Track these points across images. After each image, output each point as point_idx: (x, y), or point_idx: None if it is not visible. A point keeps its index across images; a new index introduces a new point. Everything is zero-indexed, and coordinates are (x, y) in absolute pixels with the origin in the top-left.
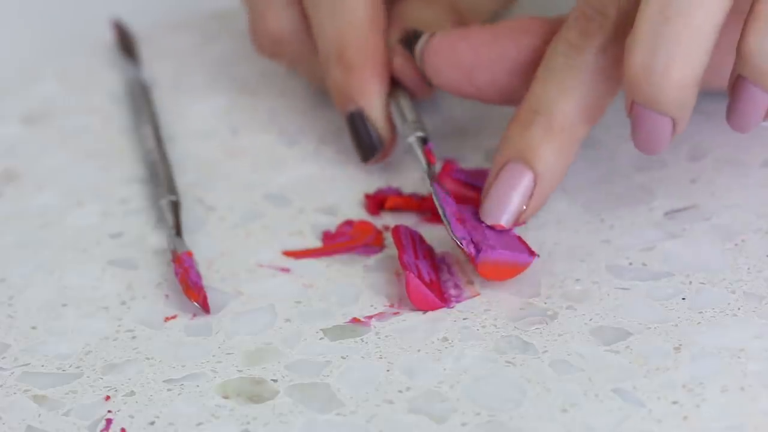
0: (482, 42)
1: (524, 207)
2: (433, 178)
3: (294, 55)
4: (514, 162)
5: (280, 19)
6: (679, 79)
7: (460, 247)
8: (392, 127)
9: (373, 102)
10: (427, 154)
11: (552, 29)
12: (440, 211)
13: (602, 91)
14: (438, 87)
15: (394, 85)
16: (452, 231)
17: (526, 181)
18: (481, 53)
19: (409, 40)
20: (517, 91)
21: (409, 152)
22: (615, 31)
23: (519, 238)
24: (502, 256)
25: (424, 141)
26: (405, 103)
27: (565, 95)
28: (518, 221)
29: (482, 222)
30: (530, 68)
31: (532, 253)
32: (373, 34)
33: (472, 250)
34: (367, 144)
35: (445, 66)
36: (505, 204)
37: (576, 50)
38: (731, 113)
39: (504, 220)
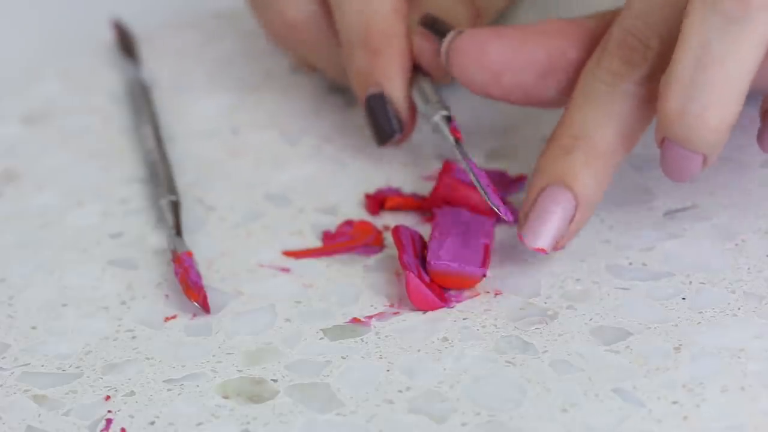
0: (511, 44)
1: (564, 232)
2: (464, 152)
3: (309, 43)
4: (555, 186)
5: (298, 5)
6: (715, 124)
7: (498, 213)
8: (413, 109)
9: (396, 83)
10: (454, 132)
11: (580, 33)
12: (476, 182)
13: (642, 119)
14: (463, 86)
15: (416, 70)
16: (490, 199)
17: (568, 205)
18: (509, 56)
19: (431, 23)
20: (544, 93)
21: (411, 152)
22: (658, 62)
23: (486, 247)
24: (449, 267)
25: (448, 119)
26: (427, 86)
27: (607, 123)
28: (557, 246)
29: (453, 229)
30: (558, 72)
31: (483, 267)
32: (398, 22)
33: (510, 217)
34: (385, 127)
35: (472, 67)
36: (547, 228)
37: (619, 79)
38: (764, 138)
39: (546, 244)
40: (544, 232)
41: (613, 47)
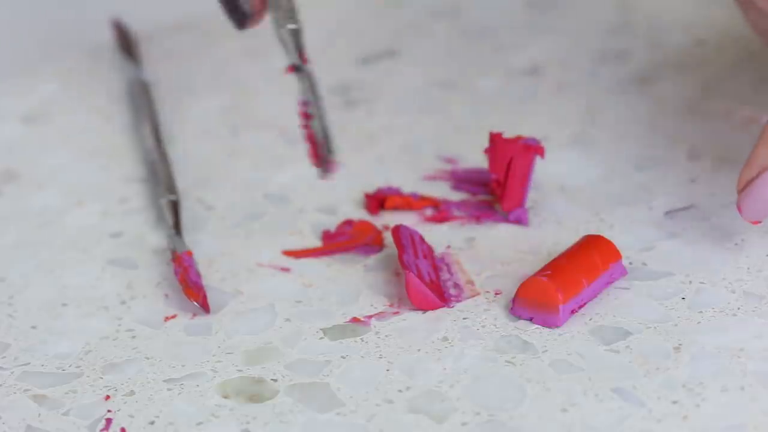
0: None
1: None
2: (307, 74)
3: None
4: None
5: None
6: None
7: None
8: None
9: None
10: (300, 54)
11: None
12: (317, 124)
13: None
14: None
15: None
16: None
17: None
18: None
19: None
20: None
21: (411, 152)
22: None
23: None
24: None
25: (295, 33)
26: None
27: None
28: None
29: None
30: None
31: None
32: None
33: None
34: (239, 11)
35: None
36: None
37: None
38: (739, 204)
39: (761, 219)
40: (762, 210)
41: None
